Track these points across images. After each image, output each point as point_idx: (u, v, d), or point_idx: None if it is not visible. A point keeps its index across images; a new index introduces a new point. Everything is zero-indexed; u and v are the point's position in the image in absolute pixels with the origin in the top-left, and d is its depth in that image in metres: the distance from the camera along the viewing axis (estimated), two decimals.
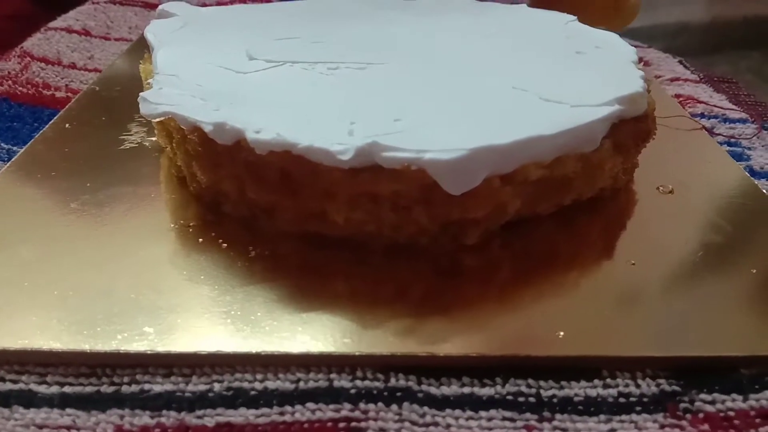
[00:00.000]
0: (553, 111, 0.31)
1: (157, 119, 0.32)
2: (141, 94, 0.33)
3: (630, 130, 0.33)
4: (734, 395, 0.25)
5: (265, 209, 0.31)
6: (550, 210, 0.33)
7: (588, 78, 0.35)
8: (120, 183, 0.35)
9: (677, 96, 0.48)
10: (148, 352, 0.25)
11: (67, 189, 0.34)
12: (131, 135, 0.39)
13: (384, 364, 0.25)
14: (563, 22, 0.44)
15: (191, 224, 0.32)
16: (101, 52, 0.53)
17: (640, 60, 0.53)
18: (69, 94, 0.46)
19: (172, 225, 0.32)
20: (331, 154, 0.28)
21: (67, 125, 0.40)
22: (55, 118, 0.41)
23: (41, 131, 0.39)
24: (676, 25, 1.24)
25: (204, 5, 0.49)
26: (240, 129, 0.29)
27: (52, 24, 0.55)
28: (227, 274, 0.29)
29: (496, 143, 0.28)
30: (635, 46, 0.56)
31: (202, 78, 0.34)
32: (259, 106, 0.31)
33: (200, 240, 0.31)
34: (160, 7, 0.45)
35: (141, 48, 0.43)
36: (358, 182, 0.28)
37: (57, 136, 0.39)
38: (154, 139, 0.38)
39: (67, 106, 0.42)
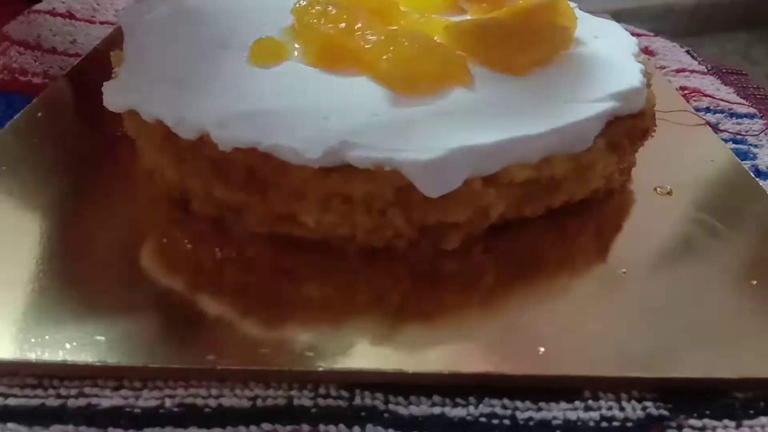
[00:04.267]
0: (542, 108, 0.29)
1: (121, 111, 0.30)
2: (105, 83, 0.31)
3: (626, 128, 0.31)
4: (726, 421, 0.23)
5: (233, 209, 0.29)
6: (538, 213, 0.31)
7: (582, 71, 0.33)
8: (88, 177, 0.33)
9: (682, 88, 0.46)
10: (97, 363, 0.23)
11: (31, 184, 0.32)
12: (107, 125, 0.37)
13: (349, 381, 0.24)
14: None
15: (157, 223, 0.30)
16: (84, 36, 0.51)
17: (645, 50, 0.51)
18: (46, 80, 0.44)
19: (137, 223, 0.30)
20: (299, 153, 0.26)
21: (39, 114, 0.38)
22: (28, 106, 0.39)
23: (11, 120, 0.37)
24: (662, 6, 1.21)
25: None
26: (203, 123, 0.27)
27: (36, 6, 0.53)
28: (190, 278, 0.27)
29: (477, 143, 0.26)
30: (641, 35, 0.54)
31: (171, 68, 0.32)
32: (227, 98, 0.29)
33: (164, 240, 0.29)
34: None
35: None
36: (329, 183, 0.27)
37: (28, 125, 0.37)
38: None
39: (41, 94, 0.40)
